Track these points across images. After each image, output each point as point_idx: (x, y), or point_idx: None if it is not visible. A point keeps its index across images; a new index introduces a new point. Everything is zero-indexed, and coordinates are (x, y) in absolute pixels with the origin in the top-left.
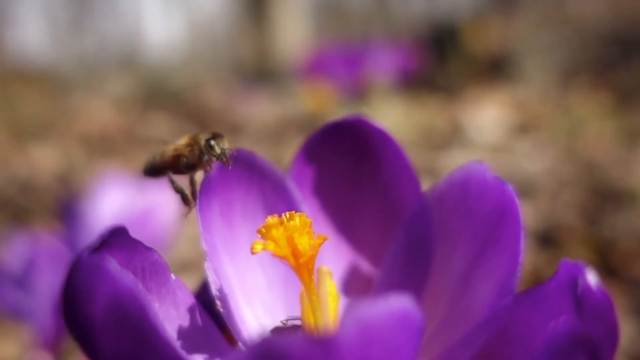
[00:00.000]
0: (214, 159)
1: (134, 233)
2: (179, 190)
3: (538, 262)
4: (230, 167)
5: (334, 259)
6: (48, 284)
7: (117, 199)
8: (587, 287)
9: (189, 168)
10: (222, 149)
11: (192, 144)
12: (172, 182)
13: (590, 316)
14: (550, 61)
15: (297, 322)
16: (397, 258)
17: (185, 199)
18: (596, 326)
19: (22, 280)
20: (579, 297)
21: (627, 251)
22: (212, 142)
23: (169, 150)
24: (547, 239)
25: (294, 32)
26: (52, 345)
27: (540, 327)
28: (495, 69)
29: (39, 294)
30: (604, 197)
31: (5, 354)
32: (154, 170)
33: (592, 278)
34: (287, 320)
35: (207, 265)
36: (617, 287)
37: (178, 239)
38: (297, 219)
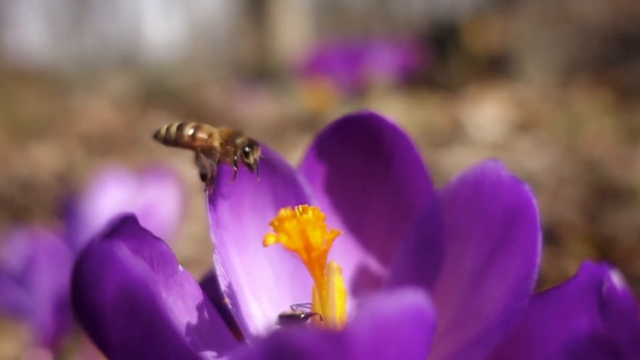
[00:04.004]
0: (243, 165)
1: None
2: (202, 167)
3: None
4: (258, 179)
5: (343, 255)
6: (48, 283)
7: (117, 197)
8: (613, 289)
9: (214, 160)
10: (254, 159)
11: (229, 144)
12: (198, 158)
13: (614, 319)
14: (550, 59)
15: (307, 309)
16: (407, 256)
17: (205, 177)
18: (621, 329)
19: (21, 279)
20: (603, 298)
21: (628, 248)
22: (248, 150)
23: (199, 138)
24: (548, 236)
25: (294, 30)
26: (52, 343)
27: (557, 330)
28: (496, 67)
29: (38, 293)
30: (604, 194)
31: (5, 352)
32: (173, 143)
33: (617, 280)
34: (296, 306)
35: (215, 258)
36: None
37: (179, 237)
38: (310, 213)
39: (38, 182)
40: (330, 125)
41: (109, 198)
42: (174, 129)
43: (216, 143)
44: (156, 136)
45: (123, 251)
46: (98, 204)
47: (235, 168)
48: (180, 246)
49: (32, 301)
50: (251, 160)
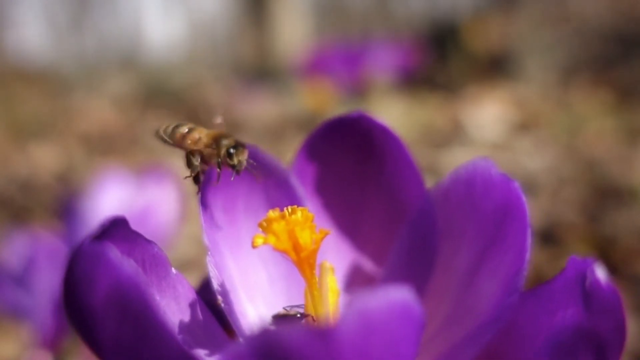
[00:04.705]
0: (228, 167)
1: None
2: (193, 169)
3: (539, 260)
4: (232, 178)
5: (337, 256)
6: (48, 283)
7: (117, 197)
8: (596, 282)
9: (201, 161)
10: (239, 161)
11: (213, 146)
12: (189, 159)
13: (597, 312)
14: (550, 59)
15: (300, 310)
16: (400, 255)
17: (196, 179)
18: (604, 322)
19: (21, 279)
20: (587, 291)
21: (628, 248)
22: (232, 151)
23: (190, 139)
24: (548, 237)
25: (294, 30)
26: (52, 344)
27: (546, 326)
28: (496, 67)
29: (38, 293)
30: (604, 194)
31: (5, 353)
32: (170, 143)
33: (601, 273)
34: (290, 307)
35: (208, 260)
36: (618, 285)
37: (178, 238)
38: (298, 213)
39: (38, 182)
40: (320, 127)
41: (109, 198)
42: (170, 128)
43: (202, 145)
44: (157, 134)
45: (114, 252)
46: (98, 204)
47: (218, 169)
48: (180, 247)
49: (32, 302)
50: (235, 161)
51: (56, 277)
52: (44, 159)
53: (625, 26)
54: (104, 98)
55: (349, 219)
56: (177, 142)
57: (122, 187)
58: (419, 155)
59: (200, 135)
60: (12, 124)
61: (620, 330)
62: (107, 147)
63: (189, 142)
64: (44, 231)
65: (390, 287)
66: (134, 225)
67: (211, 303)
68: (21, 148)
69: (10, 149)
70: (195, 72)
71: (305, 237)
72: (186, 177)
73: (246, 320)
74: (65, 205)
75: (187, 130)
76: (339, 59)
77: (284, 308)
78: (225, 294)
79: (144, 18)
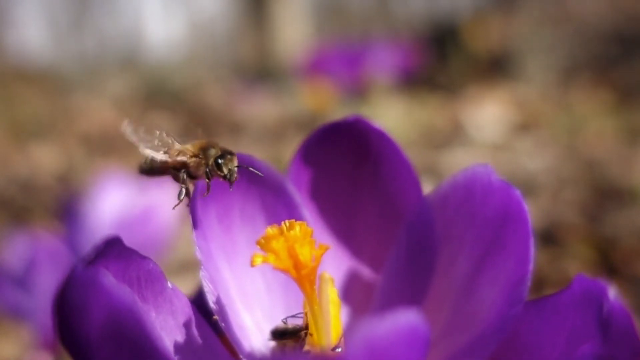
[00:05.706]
0: (218, 177)
1: (134, 233)
2: (181, 181)
3: (539, 261)
4: (231, 188)
5: (334, 264)
6: (48, 284)
7: (118, 199)
8: (612, 310)
9: (189, 176)
10: (229, 169)
11: (200, 156)
12: (175, 174)
13: (615, 340)
14: (551, 59)
15: (299, 321)
16: (399, 262)
17: (180, 195)
18: (621, 350)
19: (22, 280)
20: (604, 319)
21: (629, 249)
22: (220, 162)
23: (174, 153)
24: (549, 237)
25: (294, 31)
26: (52, 345)
27: (550, 339)
28: (496, 67)
29: (39, 294)
30: (605, 194)
31: (5, 354)
32: (152, 171)
33: (615, 299)
34: (287, 319)
35: (202, 275)
36: (619, 286)
37: (179, 239)
38: (297, 228)
39: (38, 183)
40: (317, 131)
41: (110, 200)
42: (149, 158)
43: (190, 160)
44: (140, 169)
45: (107, 278)
46: (98, 205)
47: (207, 181)
48: (180, 247)
49: (33, 303)
50: (225, 171)
51: (56, 278)
52: (44, 159)
53: (625, 26)
54: (104, 98)
55: (346, 226)
56: (160, 166)
57: (122, 188)
58: (418, 155)
59: (181, 150)
60: (12, 124)
61: (636, 356)
62: (108, 147)
63: (176, 153)
64: (44, 232)
65: (395, 309)
66: (135, 227)
67: (208, 313)
68: (21, 148)
69: (10, 149)
70: (195, 72)
71: (305, 254)
72: (175, 206)
73: (244, 332)
74: (65, 206)
75: (163, 151)
76: (339, 60)
77: (282, 321)
78: (221, 309)
79: (144, 18)
